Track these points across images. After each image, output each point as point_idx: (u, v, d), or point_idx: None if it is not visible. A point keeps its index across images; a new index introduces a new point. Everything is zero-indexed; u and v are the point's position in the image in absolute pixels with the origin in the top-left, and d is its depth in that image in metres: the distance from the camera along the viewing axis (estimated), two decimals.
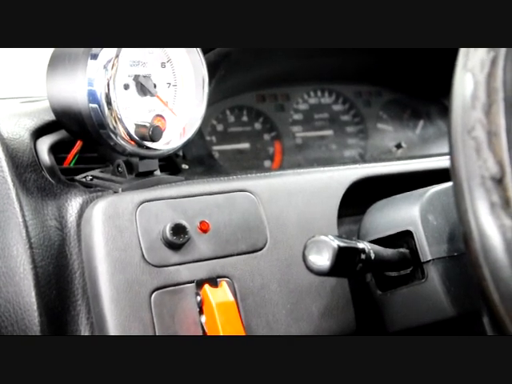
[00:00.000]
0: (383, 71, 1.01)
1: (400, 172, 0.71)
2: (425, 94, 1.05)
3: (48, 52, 0.59)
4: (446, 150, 1.00)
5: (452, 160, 0.38)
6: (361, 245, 0.50)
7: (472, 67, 0.39)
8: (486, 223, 0.35)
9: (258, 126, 0.92)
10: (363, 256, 0.50)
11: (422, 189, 0.61)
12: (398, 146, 0.97)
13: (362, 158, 0.99)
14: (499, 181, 0.35)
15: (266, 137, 0.93)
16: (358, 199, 0.66)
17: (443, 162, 0.75)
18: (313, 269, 0.48)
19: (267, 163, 0.92)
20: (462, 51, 0.40)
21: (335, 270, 0.47)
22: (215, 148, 0.88)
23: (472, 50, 0.40)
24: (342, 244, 0.47)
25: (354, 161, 0.97)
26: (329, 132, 0.98)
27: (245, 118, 0.91)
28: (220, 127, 0.89)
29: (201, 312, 0.53)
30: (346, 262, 0.48)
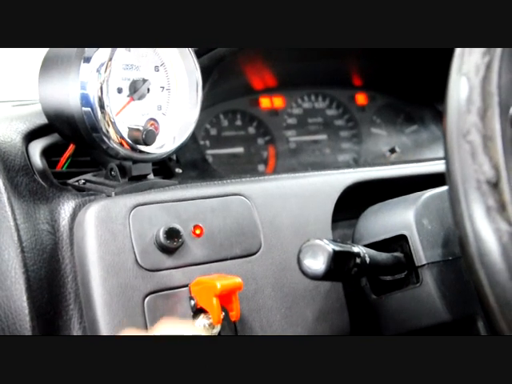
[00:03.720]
0: (377, 76, 1.02)
1: (394, 176, 0.71)
2: (418, 99, 1.05)
3: (40, 56, 0.59)
4: (439, 154, 1.01)
5: (447, 164, 0.37)
6: (356, 249, 0.50)
7: (467, 71, 0.39)
8: (482, 227, 0.35)
9: (251, 130, 0.92)
10: (358, 260, 0.50)
11: (416, 193, 0.61)
12: (392, 151, 0.97)
13: (356, 163, 0.99)
14: (495, 185, 0.35)
15: (260, 141, 0.93)
16: (352, 203, 0.66)
17: (437, 167, 0.75)
18: (308, 273, 0.48)
19: (261, 167, 0.92)
20: (457, 55, 0.40)
21: (330, 274, 0.47)
22: (209, 152, 0.87)
23: (467, 53, 0.40)
24: (337, 248, 0.47)
25: (347, 165, 0.97)
26: (323, 136, 0.98)
27: (238, 123, 0.91)
28: (213, 131, 0.89)
29: (194, 316, 0.53)
30: (341, 266, 0.48)
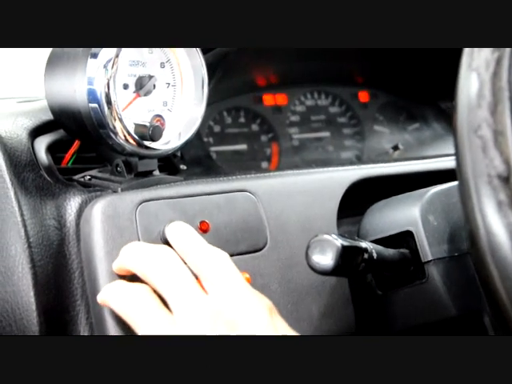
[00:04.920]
0: (379, 74, 1.02)
1: (399, 173, 0.71)
2: (421, 97, 1.05)
3: (44, 53, 0.59)
4: (441, 151, 1.01)
5: (458, 159, 0.38)
6: (363, 244, 0.50)
7: (477, 67, 0.39)
8: (493, 221, 0.35)
9: (255, 127, 0.92)
10: (366, 255, 0.50)
11: (422, 189, 0.61)
12: (395, 148, 0.97)
13: (359, 160, 0.99)
14: (506, 179, 0.35)
15: (263, 138, 0.93)
16: (357, 200, 0.66)
17: (442, 164, 0.75)
18: (316, 268, 0.48)
19: (264, 164, 0.92)
20: (466, 51, 0.40)
21: (338, 269, 0.47)
22: (213, 149, 0.87)
23: (476, 49, 0.40)
24: (345, 243, 0.47)
25: (351, 162, 0.97)
26: (326, 134, 0.98)
27: (242, 120, 0.91)
28: (217, 128, 0.89)
29: None
30: (349, 261, 0.48)
